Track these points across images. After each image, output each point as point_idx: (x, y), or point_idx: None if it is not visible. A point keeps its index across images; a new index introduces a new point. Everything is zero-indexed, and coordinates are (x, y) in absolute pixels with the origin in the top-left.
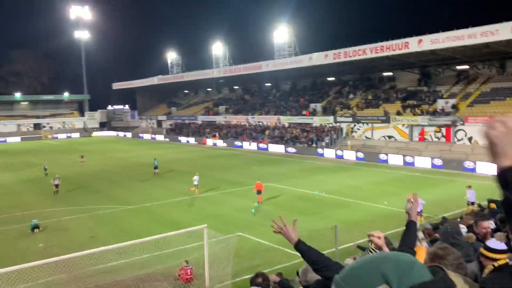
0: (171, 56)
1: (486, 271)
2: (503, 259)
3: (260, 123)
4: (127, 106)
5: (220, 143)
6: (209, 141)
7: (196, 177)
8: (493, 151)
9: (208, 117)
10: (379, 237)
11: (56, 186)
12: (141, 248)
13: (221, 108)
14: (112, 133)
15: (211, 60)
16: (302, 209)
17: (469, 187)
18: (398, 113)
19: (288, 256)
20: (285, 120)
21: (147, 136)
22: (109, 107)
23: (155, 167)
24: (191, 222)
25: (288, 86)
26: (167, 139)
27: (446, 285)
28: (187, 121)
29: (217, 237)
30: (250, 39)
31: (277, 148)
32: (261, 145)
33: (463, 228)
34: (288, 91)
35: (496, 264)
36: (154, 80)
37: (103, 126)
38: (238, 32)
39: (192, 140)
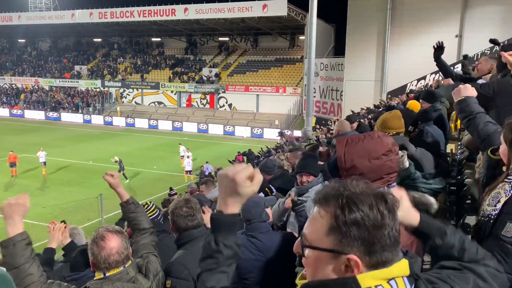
0: None
1: None
2: None
3: (14, 86)
4: None
5: None
6: None
7: (41, 153)
8: None
9: None
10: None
11: None
12: None
13: None
14: None
15: None
16: (66, 180)
17: (180, 144)
18: (168, 80)
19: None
20: (45, 83)
21: None
22: None
23: None
24: None
25: (48, 44)
26: None
27: None
28: None
29: None
30: None
31: (35, 115)
32: (14, 111)
33: None
34: (48, 50)
35: None
36: None
37: None
38: None
39: None
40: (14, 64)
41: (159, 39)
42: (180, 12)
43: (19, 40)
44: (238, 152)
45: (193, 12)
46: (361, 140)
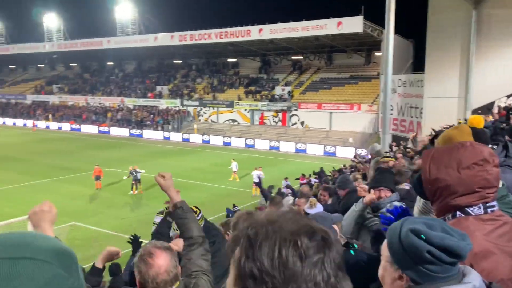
0: None
1: None
2: None
3: (102, 105)
4: None
5: (54, 125)
6: (41, 124)
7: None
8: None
9: (39, 97)
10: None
11: None
12: None
13: (55, 87)
14: None
15: (43, 33)
16: (146, 193)
17: (233, 160)
18: (241, 98)
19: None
20: (130, 102)
21: None
22: None
23: None
24: (17, 214)
25: (133, 66)
26: None
27: None
28: (13, 101)
29: None
30: (88, 13)
31: (120, 132)
32: (102, 128)
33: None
34: (133, 71)
35: None
36: None
37: None
38: (75, 3)
39: (19, 122)
40: (103, 85)
41: (234, 59)
42: (255, 33)
43: (108, 63)
44: (302, 174)
45: (268, 32)
46: (450, 150)
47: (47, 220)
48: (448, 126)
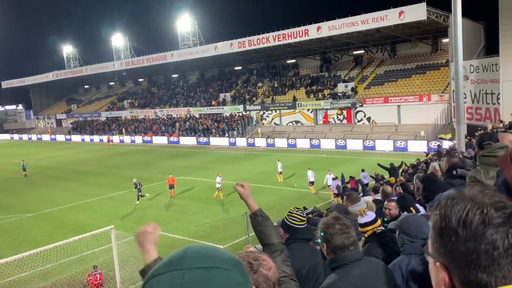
0: (67, 49)
1: (361, 243)
2: (369, 230)
3: (170, 116)
4: (20, 106)
5: (127, 139)
6: (115, 138)
7: (219, 179)
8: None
9: (112, 113)
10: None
11: None
12: (44, 257)
13: (126, 103)
14: (5, 136)
15: (112, 52)
16: (218, 199)
17: (278, 160)
18: (302, 99)
19: None
20: (196, 111)
21: (46, 137)
22: (0, 108)
23: (24, 169)
24: (99, 224)
25: (196, 76)
26: (69, 139)
27: None
28: (89, 118)
29: (127, 237)
30: (152, 29)
31: (188, 141)
32: (171, 138)
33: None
34: (196, 81)
35: (365, 235)
36: (50, 76)
37: None
38: (139, 22)
39: (96, 138)
40: (170, 97)
41: (293, 60)
42: (313, 31)
43: (172, 76)
44: (350, 176)
45: (326, 30)
46: None
47: (150, 240)
48: None
